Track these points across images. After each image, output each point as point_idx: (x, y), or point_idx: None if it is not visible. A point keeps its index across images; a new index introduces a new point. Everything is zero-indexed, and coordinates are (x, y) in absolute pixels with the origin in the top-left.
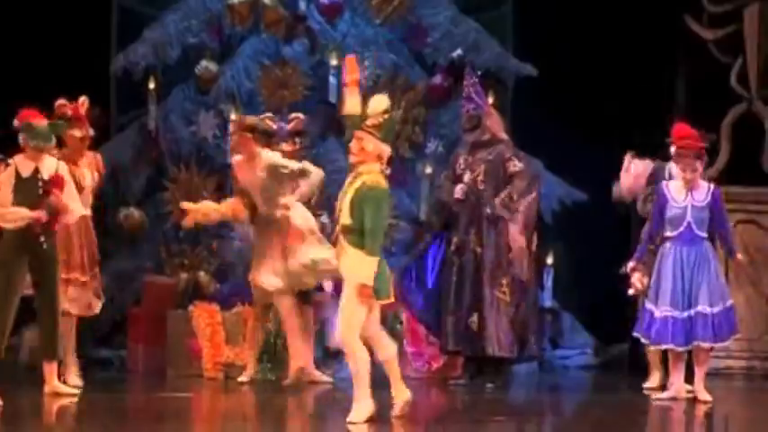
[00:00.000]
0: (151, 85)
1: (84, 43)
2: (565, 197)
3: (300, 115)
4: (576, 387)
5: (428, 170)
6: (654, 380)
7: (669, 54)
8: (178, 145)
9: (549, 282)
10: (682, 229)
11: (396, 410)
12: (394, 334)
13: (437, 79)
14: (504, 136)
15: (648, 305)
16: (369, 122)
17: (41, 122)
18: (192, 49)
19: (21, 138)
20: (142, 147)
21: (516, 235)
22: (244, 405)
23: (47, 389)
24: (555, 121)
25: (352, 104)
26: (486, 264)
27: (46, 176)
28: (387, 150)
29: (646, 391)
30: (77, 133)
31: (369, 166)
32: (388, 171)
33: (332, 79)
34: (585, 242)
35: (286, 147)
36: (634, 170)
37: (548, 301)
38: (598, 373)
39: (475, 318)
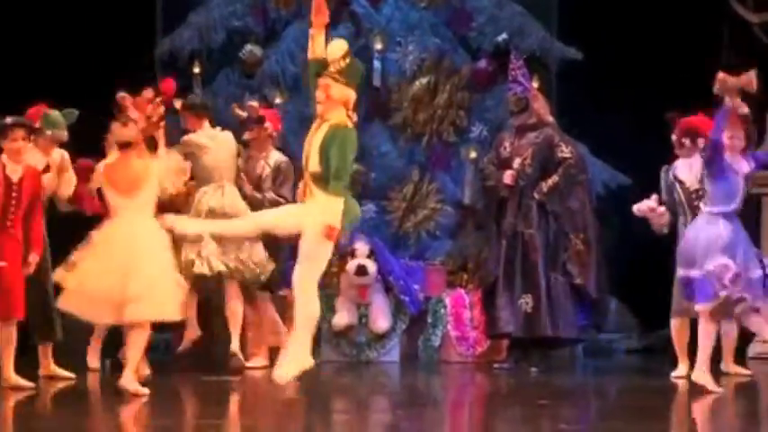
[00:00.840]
0: (196, 70)
1: (130, 28)
2: (609, 181)
3: (254, 103)
4: (619, 371)
5: (472, 155)
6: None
7: (714, 37)
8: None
9: None
10: None
11: None
12: (437, 318)
13: (481, 63)
14: (550, 119)
15: None
16: (331, 68)
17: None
18: (237, 33)
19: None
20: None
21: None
22: (287, 387)
23: (42, 371)
24: (599, 104)
25: (317, 49)
26: (538, 247)
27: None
28: (352, 95)
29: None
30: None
31: (335, 112)
32: (354, 117)
33: (376, 63)
34: (630, 226)
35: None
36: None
37: None
38: (642, 357)
39: (529, 299)
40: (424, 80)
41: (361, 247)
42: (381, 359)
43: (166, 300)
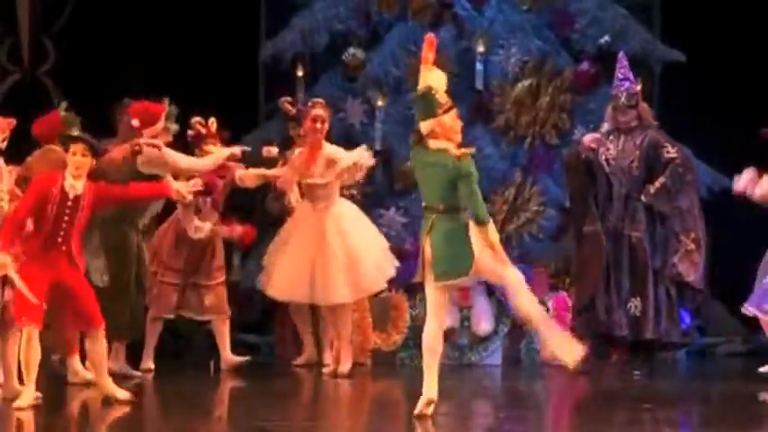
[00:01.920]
0: (299, 73)
1: (234, 32)
2: (713, 184)
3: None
4: (722, 375)
5: None
6: None
7: None
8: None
9: None
10: None
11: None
12: None
13: (584, 66)
14: (653, 121)
15: None
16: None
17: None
18: (340, 37)
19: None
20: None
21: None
22: (391, 390)
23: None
24: (702, 107)
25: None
26: (647, 249)
27: None
28: (431, 123)
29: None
30: (212, 149)
31: (438, 143)
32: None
33: (478, 66)
34: (734, 229)
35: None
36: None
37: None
38: (746, 360)
39: (638, 302)
40: (526, 82)
41: None
42: (484, 362)
43: None
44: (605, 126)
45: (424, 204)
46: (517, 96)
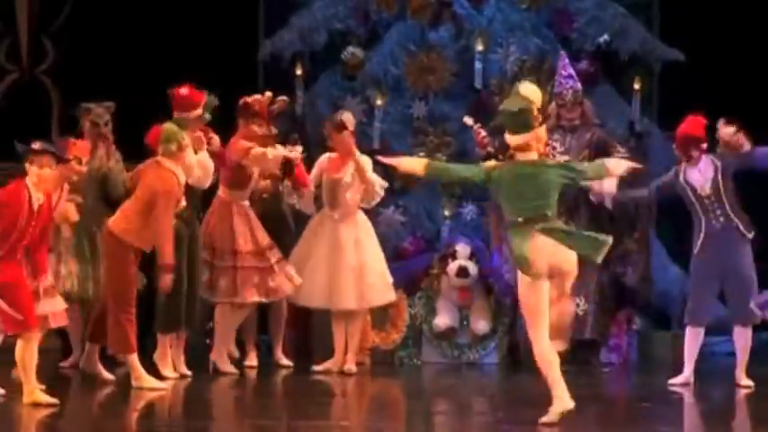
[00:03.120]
0: (298, 72)
1: (233, 30)
2: None
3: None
4: (722, 374)
5: None
6: None
7: None
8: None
9: None
10: None
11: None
12: None
13: (583, 65)
14: (596, 119)
15: None
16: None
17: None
18: (339, 35)
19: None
20: (289, 132)
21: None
22: (390, 388)
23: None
24: (701, 106)
25: None
26: None
27: None
28: (526, 137)
29: None
30: (257, 129)
31: (524, 154)
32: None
33: (477, 65)
34: None
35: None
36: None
37: None
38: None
39: (581, 301)
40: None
41: (462, 248)
42: (482, 361)
43: None
44: (546, 125)
45: (519, 219)
46: None
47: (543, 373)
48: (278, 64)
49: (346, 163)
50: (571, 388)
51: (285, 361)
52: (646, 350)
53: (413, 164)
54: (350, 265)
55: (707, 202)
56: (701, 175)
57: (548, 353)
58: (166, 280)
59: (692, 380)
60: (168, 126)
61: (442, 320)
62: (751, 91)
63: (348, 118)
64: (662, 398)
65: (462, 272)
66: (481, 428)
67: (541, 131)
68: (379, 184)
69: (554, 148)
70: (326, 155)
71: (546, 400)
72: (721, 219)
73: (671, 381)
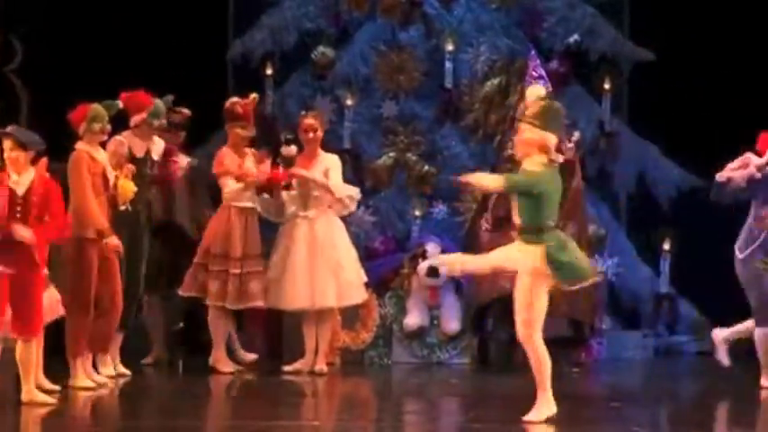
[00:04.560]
0: (268, 71)
1: (203, 30)
2: (681, 183)
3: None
4: (690, 374)
5: None
6: None
7: None
8: (295, 130)
9: (665, 267)
10: None
11: None
12: None
13: (553, 64)
14: (567, 122)
15: None
16: (527, 112)
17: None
18: (309, 35)
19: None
20: (259, 133)
21: None
22: (360, 388)
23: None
24: (671, 105)
25: None
26: None
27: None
28: (551, 138)
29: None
30: (241, 132)
31: (533, 158)
32: (560, 159)
33: (448, 64)
34: (703, 228)
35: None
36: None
37: (664, 287)
38: (714, 359)
39: None
40: (495, 81)
41: (433, 248)
42: (452, 361)
43: None
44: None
45: (550, 223)
46: (486, 95)
47: (537, 374)
48: (248, 64)
49: (313, 162)
50: None
51: (249, 356)
52: (615, 350)
53: (489, 180)
54: (328, 263)
55: None
56: None
57: (546, 355)
58: (110, 241)
59: None
60: (95, 106)
61: (413, 320)
62: (721, 91)
63: (308, 122)
64: (632, 398)
65: (432, 272)
66: (451, 428)
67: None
68: (348, 194)
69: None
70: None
71: (517, 399)
72: None
73: (763, 382)
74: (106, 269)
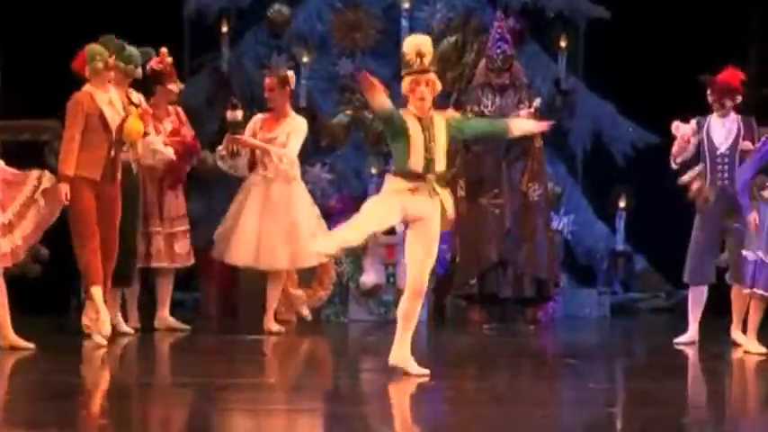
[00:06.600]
0: (224, 29)
1: None
2: (637, 140)
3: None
4: (646, 331)
5: None
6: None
7: None
8: (251, 88)
9: (621, 225)
10: None
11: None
12: None
13: (510, 22)
14: (525, 81)
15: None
16: (426, 63)
17: None
18: None
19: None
20: (215, 90)
21: None
22: (317, 346)
23: None
24: (626, 64)
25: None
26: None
27: None
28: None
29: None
30: (174, 88)
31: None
32: None
33: (404, 22)
34: (658, 185)
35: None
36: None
37: (620, 245)
38: (670, 316)
39: None
40: (451, 39)
41: None
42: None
43: None
44: (475, 81)
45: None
46: (443, 53)
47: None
48: (203, 21)
49: (280, 122)
50: (498, 344)
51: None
52: (571, 308)
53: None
54: (280, 225)
55: (718, 161)
56: (724, 130)
57: None
58: (61, 188)
59: (696, 338)
60: (91, 46)
61: (369, 278)
62: (675, 48)
63: (292, 75)
64: (588, 355)
65: (389, 229)
66: (407, 385)
67: None
68: (287, 159)
69: (484, 107)
70: (259, 115)
71: (470, 357)
72: (726, 181)
73: (676, 340)
74: (102, 213)
